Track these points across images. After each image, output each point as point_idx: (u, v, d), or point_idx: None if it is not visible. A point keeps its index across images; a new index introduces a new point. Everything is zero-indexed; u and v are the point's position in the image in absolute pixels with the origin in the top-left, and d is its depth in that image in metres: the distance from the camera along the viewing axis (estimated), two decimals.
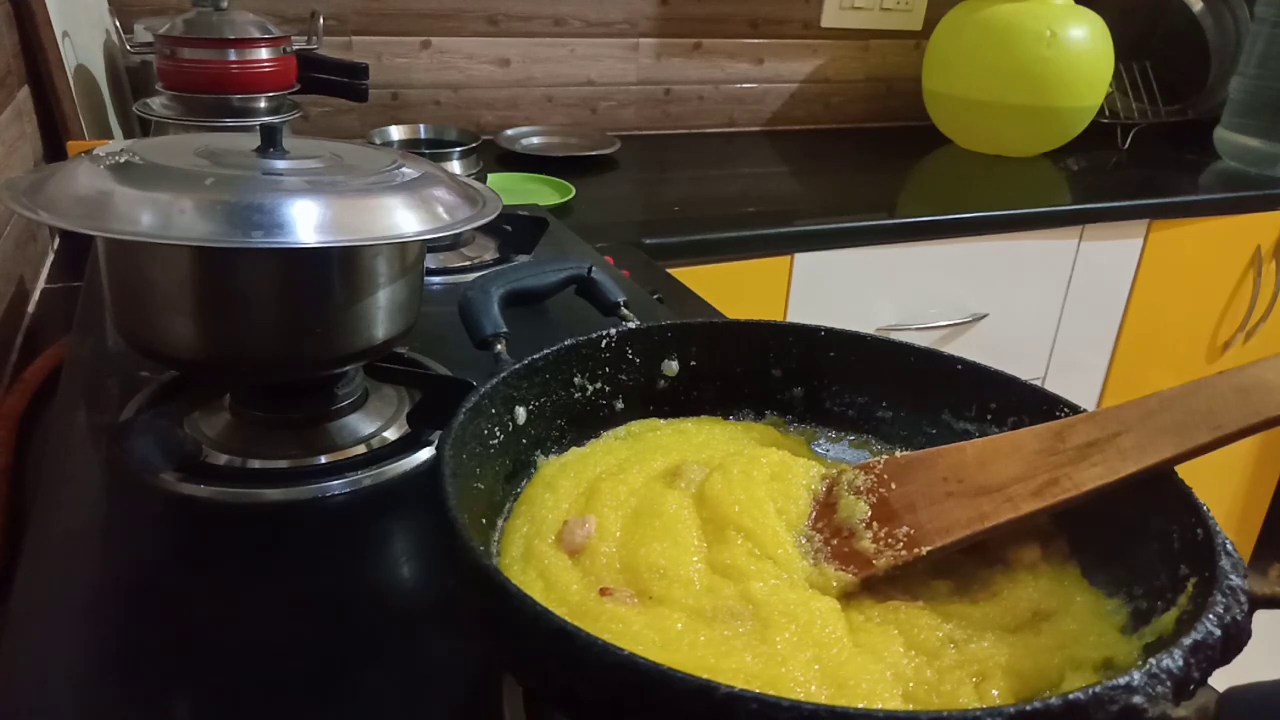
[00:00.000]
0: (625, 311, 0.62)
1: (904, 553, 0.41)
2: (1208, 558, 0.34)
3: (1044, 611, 0.39)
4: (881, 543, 0.41)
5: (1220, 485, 1.91)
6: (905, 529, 0.42)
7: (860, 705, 0.33)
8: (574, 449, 0.49)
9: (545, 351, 0.48)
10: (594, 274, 0.66)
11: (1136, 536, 0.39)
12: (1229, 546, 0.34)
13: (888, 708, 0.34)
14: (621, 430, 0.51)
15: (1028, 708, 0.27)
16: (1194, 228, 1.59)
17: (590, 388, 0.51)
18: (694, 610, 0.38)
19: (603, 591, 0.38)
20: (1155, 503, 0.38)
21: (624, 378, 0.52)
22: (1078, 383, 1.66)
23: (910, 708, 0.34)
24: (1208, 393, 0.37)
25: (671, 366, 0.53)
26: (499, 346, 0.54)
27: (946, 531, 0.41)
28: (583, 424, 0.50)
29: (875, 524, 0.42)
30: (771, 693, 0.27)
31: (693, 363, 0.53)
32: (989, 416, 0.48)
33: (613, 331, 0.51)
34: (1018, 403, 0.47)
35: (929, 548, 0.41)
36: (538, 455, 0.48)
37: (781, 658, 0.35)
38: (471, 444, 0.42)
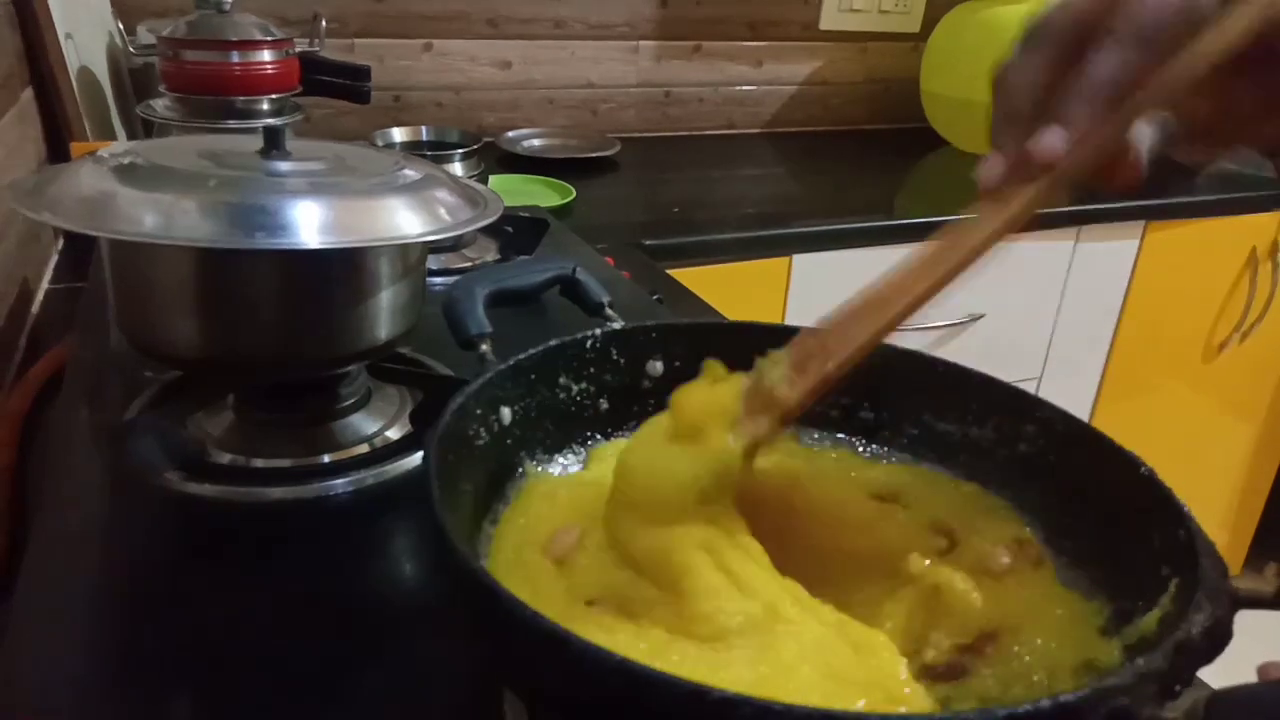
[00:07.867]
0: (610, 312, 0.62)
1: (813, 379, 0.39)
2: (1190, 559, 0.34)
3: (1019, 614, 0.39)
4: (797, 387, 0.39)
5: (1217, 485, 1.92)
6: (818, 363, 0.39)
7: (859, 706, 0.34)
8: (576, 470, 0.49)
9: (530, 352, 0.48)
10: (578, 274, 0.65)
11: (1117, 539, 0.39)
12: (1211, 547, 0.35)
13: (882, 710, 0.34)
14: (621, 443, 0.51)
15: (1018, 709, 0.27)
16: (1190, 229, 1.60)
17: (575, 388, 0.50)
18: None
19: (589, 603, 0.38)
20: (1136, 505, 0.39)
21: (609, 378, 0.51)
22: (1074, 383, 1.66)
23: (904, 710, 0.35)
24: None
25: (656, 367, 0.52)
26: (484, 347, 0.54)
27: (851, 340, 0.39)
28: (569, 425, 0.50)
29: (794, 375, 0.40)
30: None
31: (677, 363, 0.52)
32: (969, 418, 0.48)
33: (598, 332, 0.50)
34: (998, 404, 0.47)
35: (834, 362, 0.39)
36: (524, 457, 0.48)
37: (786, 668, 0.34)
38: (458, 446, 0.42)
